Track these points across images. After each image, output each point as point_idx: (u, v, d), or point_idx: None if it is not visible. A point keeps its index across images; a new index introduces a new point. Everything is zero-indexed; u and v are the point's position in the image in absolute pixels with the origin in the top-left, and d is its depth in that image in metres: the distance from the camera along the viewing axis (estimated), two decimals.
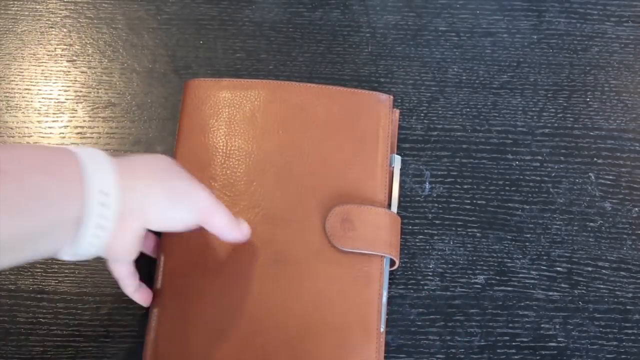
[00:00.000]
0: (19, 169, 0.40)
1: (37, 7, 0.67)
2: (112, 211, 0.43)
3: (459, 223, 0.59)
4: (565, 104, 0.64)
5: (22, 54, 0.65)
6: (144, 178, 0.46)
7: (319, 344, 0.51)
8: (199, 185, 0.49)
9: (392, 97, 0.59)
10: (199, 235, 0.52)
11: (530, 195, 0.61)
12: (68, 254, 0.44)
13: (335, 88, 0.59)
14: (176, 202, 0.47)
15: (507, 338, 0.56)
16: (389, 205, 0.57)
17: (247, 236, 0.52)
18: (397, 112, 0.62)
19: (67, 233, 0.42)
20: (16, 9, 0.67)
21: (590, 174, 0.60)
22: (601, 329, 0.56)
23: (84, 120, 0.63)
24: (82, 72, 0.65)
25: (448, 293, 0.57)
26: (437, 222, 0.59)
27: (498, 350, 0.55)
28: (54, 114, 0.63)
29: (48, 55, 0.65)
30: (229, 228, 0.50)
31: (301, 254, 0.54)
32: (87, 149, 0.45)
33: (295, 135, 0.57)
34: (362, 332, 0.52)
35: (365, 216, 0.54)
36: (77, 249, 0.44)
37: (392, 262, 0.55)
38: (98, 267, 0.57)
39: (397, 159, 0.59)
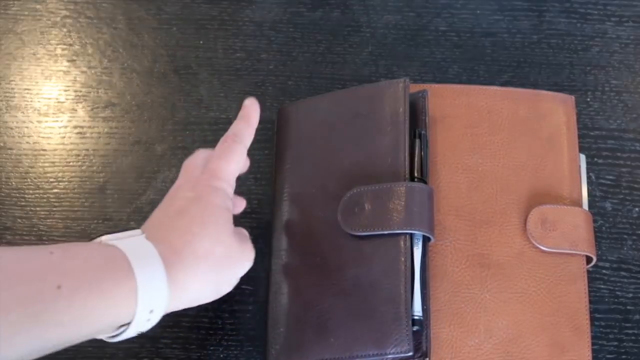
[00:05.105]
0: (72, 286, 0.40)
1: (37, 7, 0.67)
2: (157, 316, 0.44)
3: None
4: None
5: (22, 53, 0.65)
6: (195, 274, 0.45)
7: (531, 343, 0.52)
8: (242, 257, 0.50)
9: (574, 97, 0.60)
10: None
11: None
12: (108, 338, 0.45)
13: (518, 90, 0.60)
14: (221, 291, 0.49)
15: None
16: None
17: None
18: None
19: (106, 332, 0.44)
20: (16, 9, 0.67)
21: (590, 174, 0.60)
22: (601, 329, 0.56)
23: (84, 120, 0.63)
24: (82, 72, 0.65)
25: None
26: None
27: None
28: (53, 113, 0.63)
29: (48, 55, 0.65)
30: None
31: (504, 255, 0.54)
32: (137, 248, 0.43)
33: (485, 137, 0.58)
34: (574, 331, 0.53)
35: (564, 216, 0.55)
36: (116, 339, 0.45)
37: (588, 260, 0.55)
38: None
39: (583, 158, 0.59)
